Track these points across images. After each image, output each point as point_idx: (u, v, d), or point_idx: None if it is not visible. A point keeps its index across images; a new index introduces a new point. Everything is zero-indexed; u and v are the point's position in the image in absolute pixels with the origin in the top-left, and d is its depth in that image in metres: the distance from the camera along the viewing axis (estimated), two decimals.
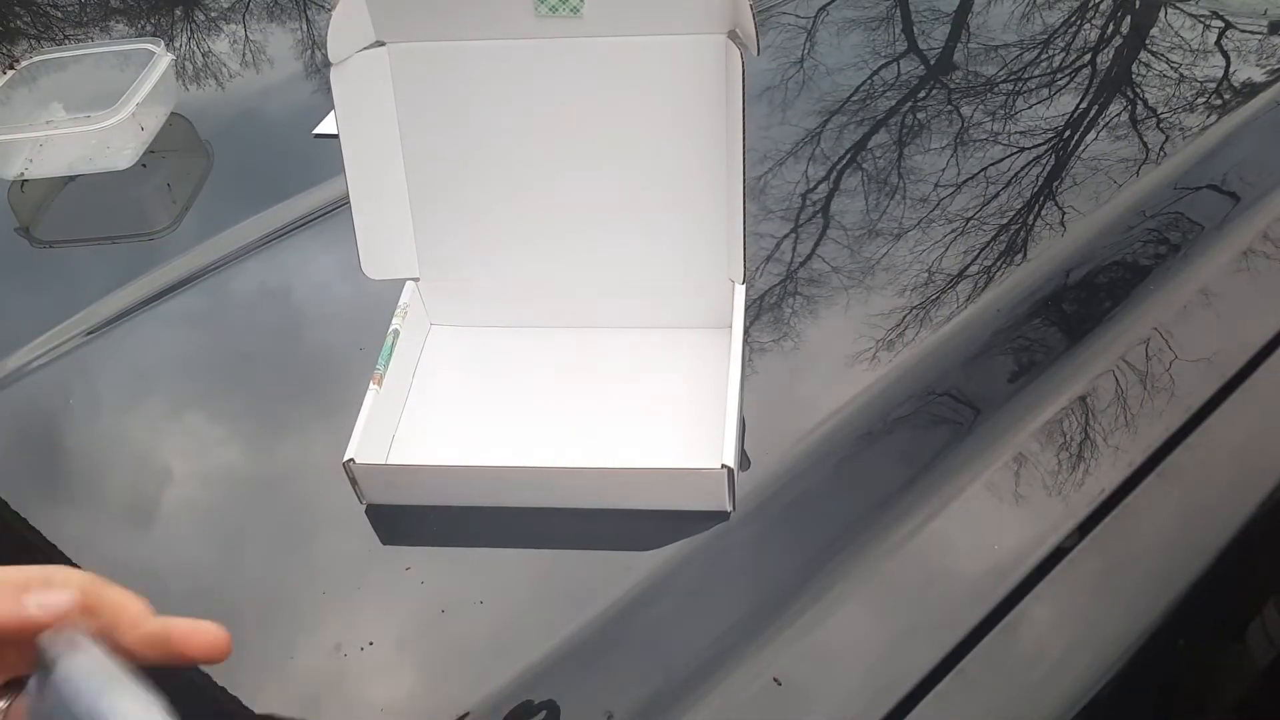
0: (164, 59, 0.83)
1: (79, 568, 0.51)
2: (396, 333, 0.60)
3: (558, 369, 0.62)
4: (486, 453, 0.57)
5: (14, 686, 0.37)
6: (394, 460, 0.57)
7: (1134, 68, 0.85)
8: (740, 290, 0.60)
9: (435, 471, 0.55)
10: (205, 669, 0.48)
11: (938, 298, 0.65)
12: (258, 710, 0.48)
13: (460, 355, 0.64)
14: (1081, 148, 0.77)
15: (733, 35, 0.54)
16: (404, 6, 0.56)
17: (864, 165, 0.76)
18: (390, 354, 0.59)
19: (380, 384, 0.57)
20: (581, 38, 0.56)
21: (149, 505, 0.57)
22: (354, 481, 0.54)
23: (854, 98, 0.83)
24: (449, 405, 0.61)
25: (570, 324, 0.64)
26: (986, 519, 0.53)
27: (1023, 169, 0.75)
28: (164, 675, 0.34)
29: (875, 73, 0.85)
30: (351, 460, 0.53)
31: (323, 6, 1.02)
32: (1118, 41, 0.89)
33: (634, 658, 0.49)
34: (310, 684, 0.49)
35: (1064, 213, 0.71)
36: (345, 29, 0.55)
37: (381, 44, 0.57)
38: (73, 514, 0.58)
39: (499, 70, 0.58)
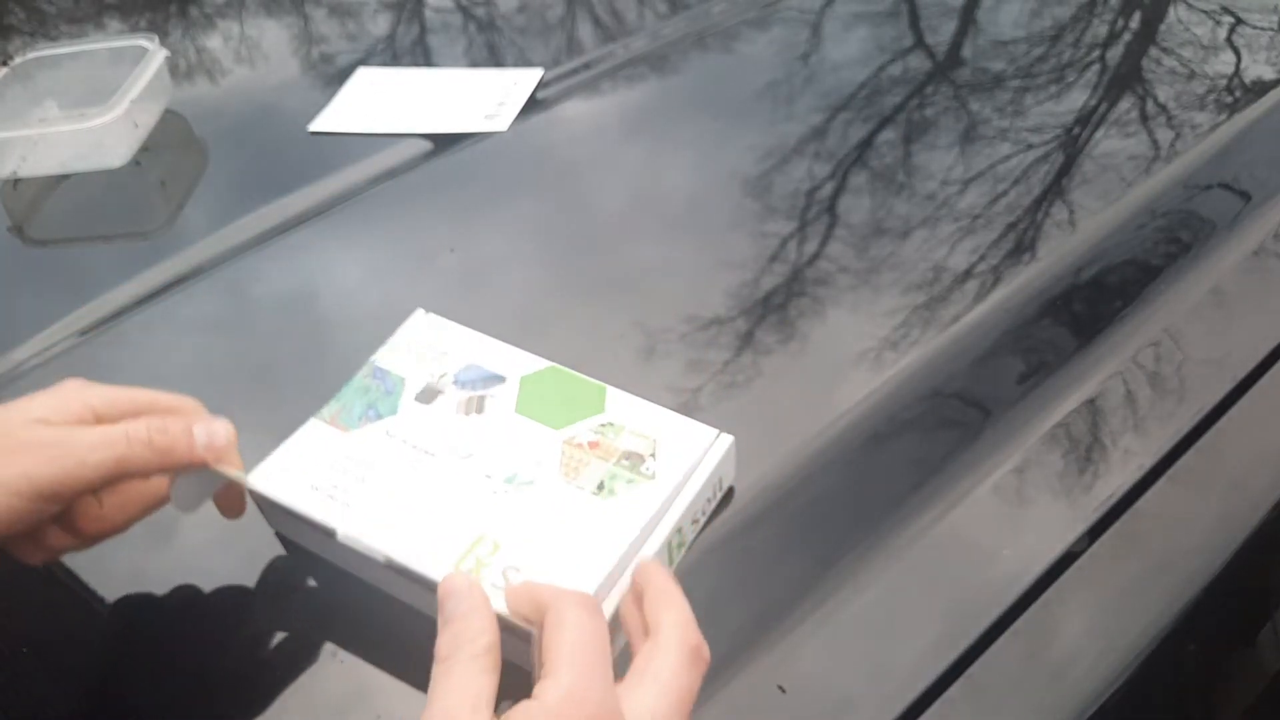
0: (158, 55, 0.82)
1: (66, 569, 0.51)
2: (373, 367, 0.56)
3: None
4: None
5: None
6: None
7: (1144, 64, 0.85)
8: None
9: (308, 524, 0.49)
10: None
11: (945, 297, 0.64)
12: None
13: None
14: (1091, 145, 0.76)
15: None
16: None
17: (870, 162, 0.75)
18: (348, 395, 0.54)
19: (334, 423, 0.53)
20: None
21: None
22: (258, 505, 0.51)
23: (859, 94, 0.82)
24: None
25: None
26: (994, 523, 0.52)
27: (1031, 166, 0.74)
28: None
29: (882, 68, 0.85)
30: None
31: (318, 2, 1.01)
32: (1128, 37, 0.88)
33: None
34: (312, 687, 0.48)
35: (1073, 211, 0.70)
36: None
37: None
38: None
39: None
